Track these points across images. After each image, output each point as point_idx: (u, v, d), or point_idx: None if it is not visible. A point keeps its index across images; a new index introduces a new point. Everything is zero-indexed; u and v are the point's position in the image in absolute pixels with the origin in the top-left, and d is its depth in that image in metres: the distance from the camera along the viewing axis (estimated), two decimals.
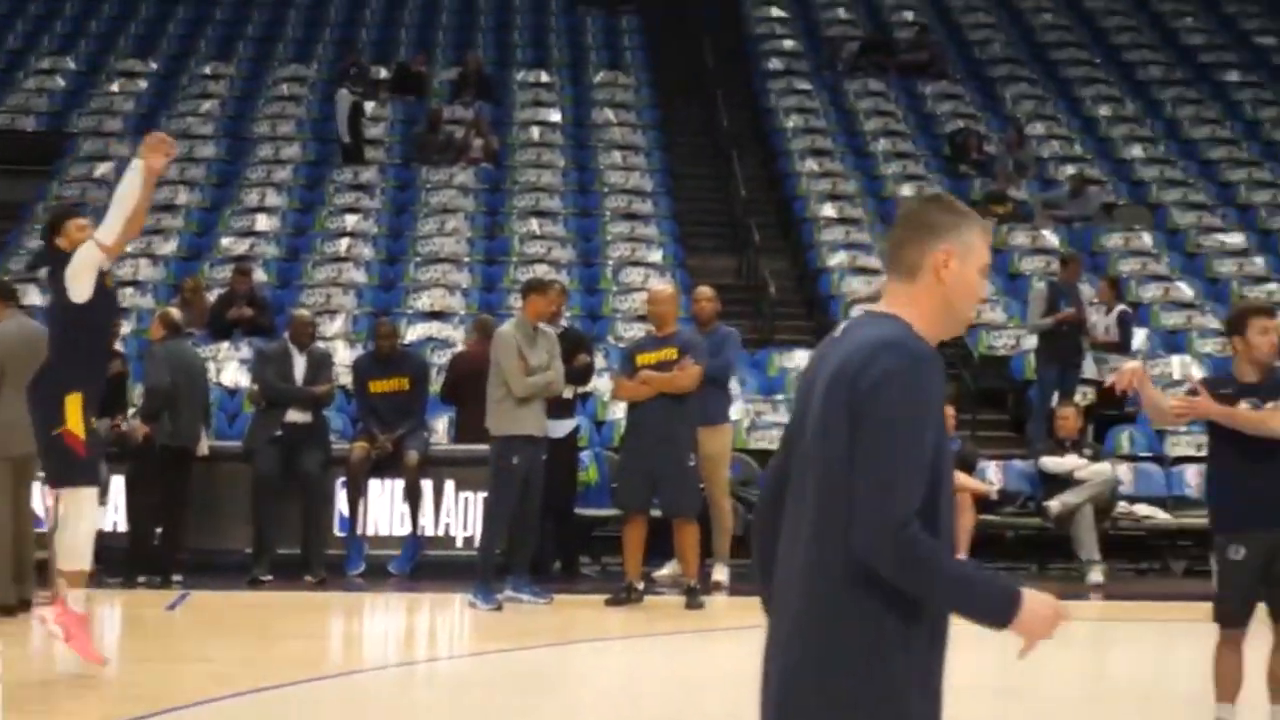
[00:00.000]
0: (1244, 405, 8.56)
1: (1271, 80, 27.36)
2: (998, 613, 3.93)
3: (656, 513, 13.80)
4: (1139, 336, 19.81)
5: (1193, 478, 17.01)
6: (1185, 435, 18.16)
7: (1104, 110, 26.33)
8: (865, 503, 3.89)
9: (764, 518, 4.28)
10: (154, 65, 26.76)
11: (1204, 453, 17.06)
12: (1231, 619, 8.62)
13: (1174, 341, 20.24)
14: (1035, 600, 3.94)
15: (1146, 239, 22.51)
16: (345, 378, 16.77)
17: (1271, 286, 21.30)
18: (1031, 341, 18.80)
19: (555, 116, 25.62)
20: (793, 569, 4.05)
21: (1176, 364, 19.56)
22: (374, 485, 15.46)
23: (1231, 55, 28.12)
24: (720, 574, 14.37)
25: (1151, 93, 26.93)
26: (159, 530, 14.59)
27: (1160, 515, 16.69)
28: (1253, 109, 26.41)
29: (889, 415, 3.92)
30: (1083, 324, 18.53)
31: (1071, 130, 25.61)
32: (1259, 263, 22.07)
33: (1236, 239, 22.67)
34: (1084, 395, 18.34)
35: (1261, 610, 8.60)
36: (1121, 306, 19.33)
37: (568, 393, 14.70)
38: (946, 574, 3.90)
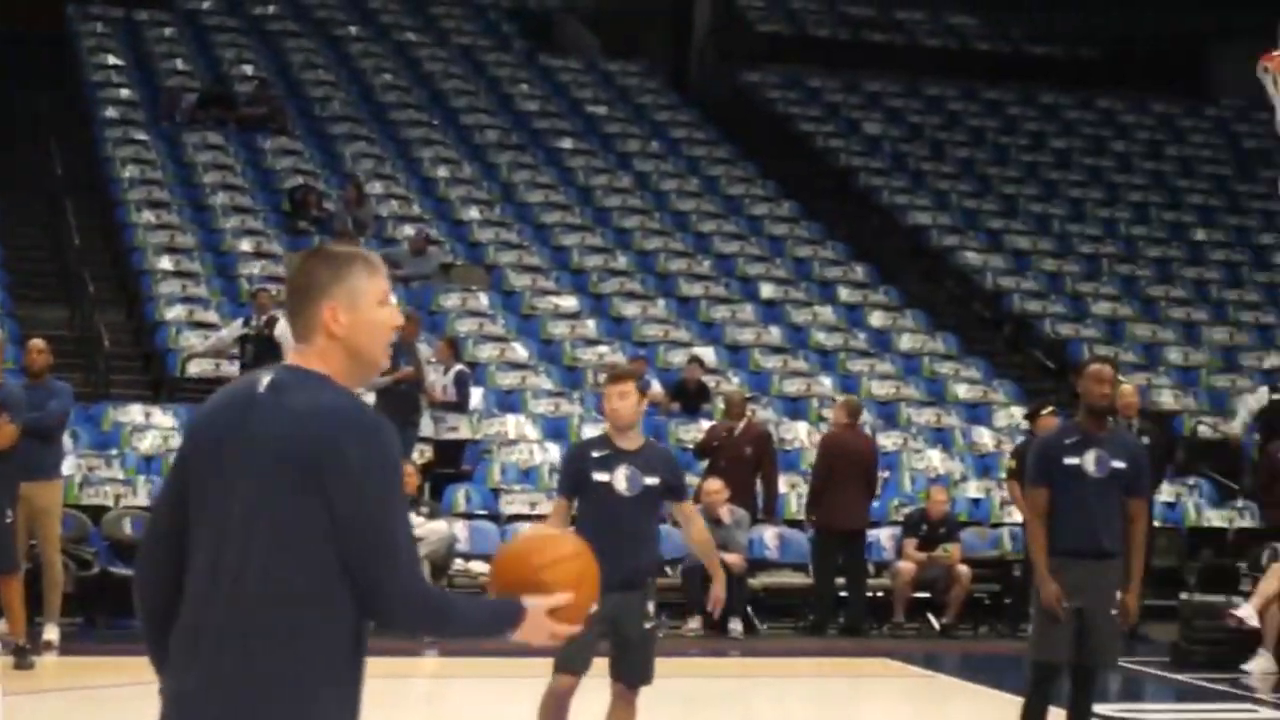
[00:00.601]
0: (622, 470, 8.81)
1: (603, 148, 28.28)
2: (506, 620, 4.14)
3: None
4: (476, 396, 20.13)
5: None
6: (520, 494, 18.56)
7: (442, 171, 26.70)
8: (379, 574, 3.94)
9: (151, 578, 4.17)
10: None
11: (537, 511, 17.57)
12: (570, 665, 8.85)
13: (509, 401, 20.66)
14: (536, 610, 4.15)
15: (483, 299, 22.91)
16: None
17: (603, 349, 21.98)
18: (370, 398, 18.85)
19: None
20: (211, 632, 3.97)
21: (512, 423, 19.98)
22: None
23: (565, 123, 28.94)
24: (51, 633, 13.87)
25: (488, 156, 27.46)
26: None
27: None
28: (585, 176, 27.24)
29: (377, 485, 3.95)
30: (421, 382, 18.70)
31: (410, 190, 25.86)
32: (590, 325, 22.74)
33: (570, 302, 23.30)
34: (421, 453, 18.54)
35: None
36: (459, 366, 19.62)
37: None
38: (464, 613, 4.10)
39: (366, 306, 4.15)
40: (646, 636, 8.96)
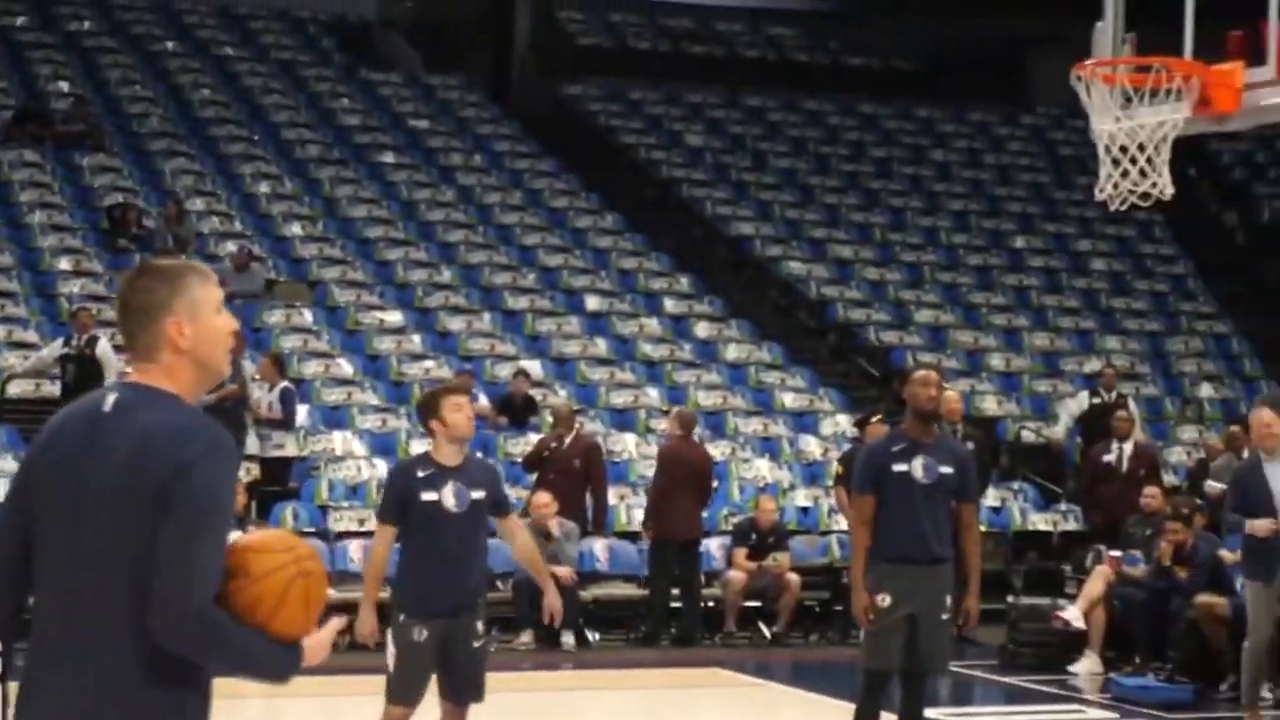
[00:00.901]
0: (450, 487, 8.75)
1: (426, 162, 28.15)
2: (288, 668, 4.07)
3: None
4: (302, 413, 19.96)
5: (356, 552, 17.23)
6: (348, 510, 18.45)
7: (264, 187, 26.44)
8: (168, 590, 3.88)
9: None
10: None
11: (365, 527, 17.43)
12: (404, 696, 8.79)
13: (336, 418, 20.53)
14: (311, 645, 4.09)
15: (308, 316, 22.72)
16: None
17: (429, 364, 21.88)
18: None
19: None
20: (71, 656, 3.96)
21: (339, 439, 19.85)
22: None
23: (387, 137, 28.76)
24: None
25: (310, 171, 27.23)
26: None
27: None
28: (408, 190, 27.10)
29: (199, 504, 3.92)
30: (246, 400, 18.52)
31: (232, 206, 25.57)
32: (416, 340, 22.63)
33: (395, 317, 23.17)
34: (248, 471, 18.35)
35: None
36: (284, 383, 19.45)
37: None
38: (247, 650, 3.98)
39: (207, 316, 4.15)
40: (476, 654, 8.91)
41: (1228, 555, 14.96)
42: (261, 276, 23.15)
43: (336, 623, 4.18)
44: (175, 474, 3.91)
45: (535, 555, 9.68)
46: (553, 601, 9.34)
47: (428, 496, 8.80)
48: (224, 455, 4.01)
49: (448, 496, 8.80)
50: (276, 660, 4.04)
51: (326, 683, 14.17)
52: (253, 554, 4.04)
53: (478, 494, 8.88)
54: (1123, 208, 12.18)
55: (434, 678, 8.90)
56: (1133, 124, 11.38)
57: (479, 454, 17.15)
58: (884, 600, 9.88)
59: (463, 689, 8.86)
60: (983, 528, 18.02)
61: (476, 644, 8.90)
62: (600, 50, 33.17)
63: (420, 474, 8.91)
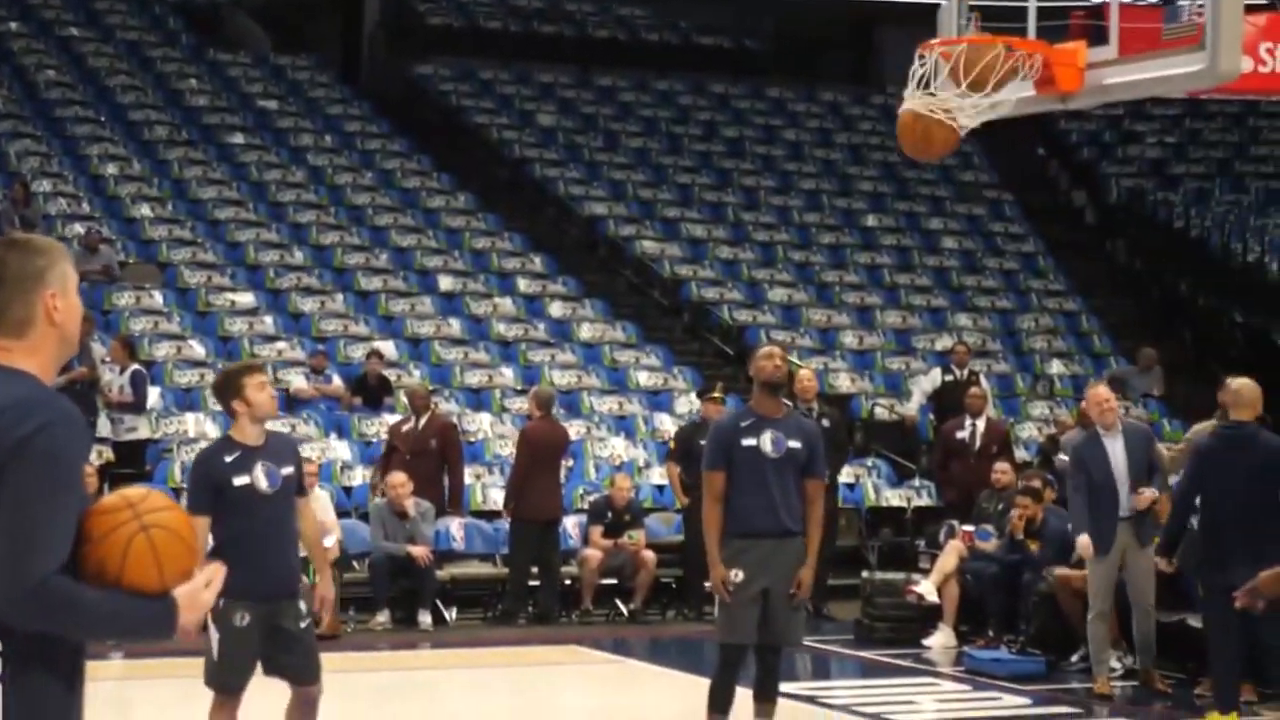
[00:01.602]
0: (260, 467, 8.64)
1: (276, 143, 27.93)
2: (162, 620, 4.02)
3: None
4: (153, 395, 19.77)
5: None
6: None
7: (111, 169, 26.12)
8: (4, 566, 3.85)
9: None
10: None
11: None
12: (229, 682, 8.71)
13: (188, 400, 20.36)
14: (186, 592, 4.04)
15: (158, 297, 22.50)
16: None
17: (282, 345, 21.74)
18: None
19: None
20: None
21: (191, 421, 19.69)
22: None
23: (236, 118, 28.51)
24: None
25: (159, 152, 26.93)
26: None
27: None
28: (259, 171, 26.88)
29: (35, 473, 3.88)
30: (96, 383, 18.33)
31: (79, 188, 25.26)
32: (269, 321, 22.46)
33: (247, 298, 22.99)
34: (100, 454, 18.21)
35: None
36: (135, 365, 19.26)
37: None
38: (105, 609, 3.94)
39: (73, 292, 4.16)
40: (304, 635, 8.76)
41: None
42: (110, 258, 22.86)
43: (210, 570, 4.13)
44: (15, 448, 3.88)
45: (319, 539, 9.53)
46: (324, 591, 9.28)
47: (240, 480, 8.64)
48: (66, 427, 3.96)
49: (260, 478, 8.66)
50: (145, 614, 4.00)
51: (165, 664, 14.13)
52: (94, 518, 4.01)
53: (286, 470, 8.75)
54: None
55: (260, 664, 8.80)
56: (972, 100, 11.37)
57: (295, 430, 17.17)
58: (737, 575, 9.94)
59: (297, 670, 8.75)
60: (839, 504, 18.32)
61: (303, 624, 8.76)
62: (450, 30, 33.04)
63: (227, 458, 8.73)
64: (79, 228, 23.50)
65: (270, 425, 9.05)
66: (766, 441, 10.00)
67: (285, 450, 8.94)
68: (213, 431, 19.28)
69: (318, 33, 32.96)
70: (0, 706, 3.98)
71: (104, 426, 18.75)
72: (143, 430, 19.23)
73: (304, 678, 8.77)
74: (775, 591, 9.98)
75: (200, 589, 4.07)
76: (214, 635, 8.64)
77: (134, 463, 18.85)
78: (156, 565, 4.01)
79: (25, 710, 3.94)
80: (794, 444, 10.06)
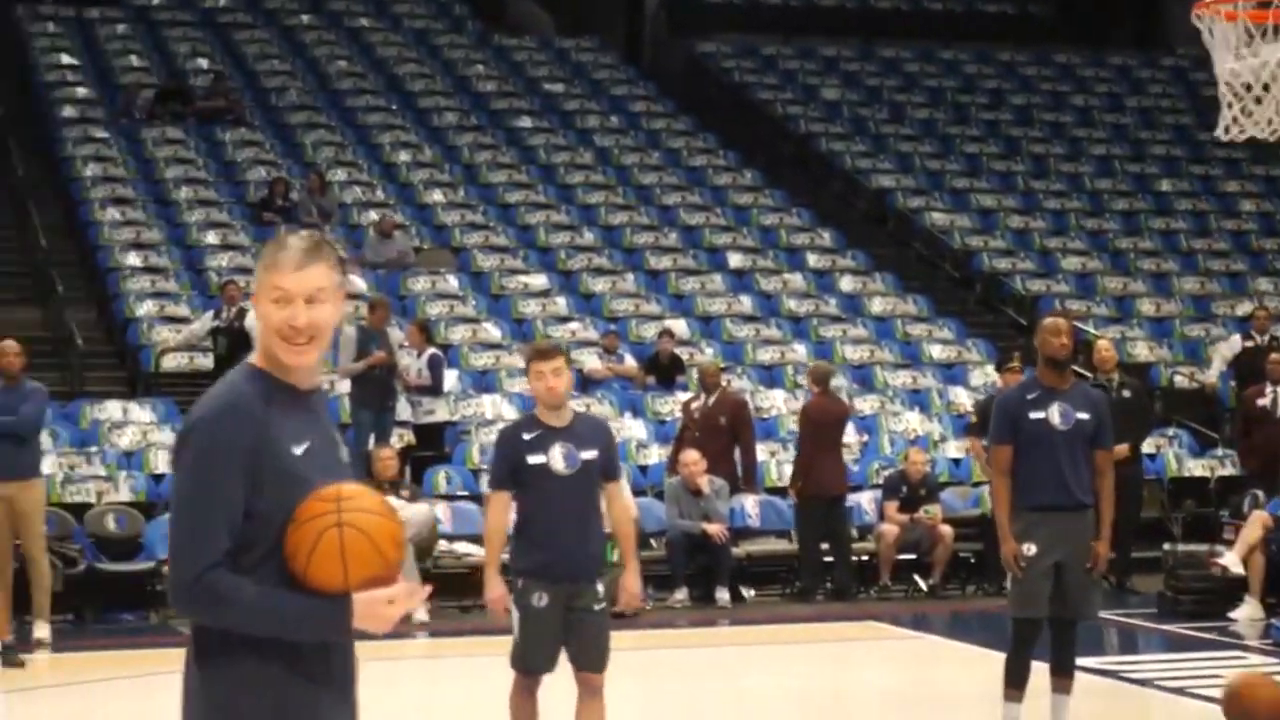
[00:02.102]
0: (558, 448, 8.67)
1: (562, 125, 28.21)
2: (331, 622, 4.06)
3: None
4: (450, 378, 20.08)
5: None
6: None
7: (403, 156, 26.60)
8: (169, 559, 4.09)
9: None
10: None
11: None
12: (528, 663, 8.73)
13: (485, 382, 20.64)
14: (365, 600, 4.04)
15: (452, 281, 22.85)
16: None
17: (575, 326, 21.96)
18: (345, 386, 18.78)
19: None
20: None
21: (488, 403, 19.97)
22: None
23: (523, 102, 28.85)
24: (42, 631, 13.91)
25: (448, 138, 27.36)
26: None
27: (479, 552, 16.88)
28: (546, 154, 27.16)
29: (186, 473, 4.08)
30: (394, 367, 18.66)
31: (373, 176, 25.77)
32: (561, 303, 22.69)
33: (539, 280, 23.24)
34: (400, 437, 18.54)
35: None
36: (432, 349, 19.57)
37: None
38: (267, 606, 4.02)
39: (263, 301, 4.25)
40: (596, 617, 8.71)
41: None
42: (405, 244, 23.29)
43: (405, 587, 4.11)
44: (174, 449, 4.17)
45: (629, 528, 9.39)
46: (630, 584, 9.19)
47: (535, 459, 8.63)
48: (209, 421, 4.09)
49: (556, 458, 8.66)
50: (311, 614, 4.04)
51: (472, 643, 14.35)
52: (308, 502, 4.05)
53: (589, 453, 8.69)
54: (1240, 138, 11.89)
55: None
56: (1256, 61, 11.13)
57: (589, 410, 17.21)
58: (1030, 549, 9.81)
59: (581, 655, 8.67)
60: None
61: (598, 607, 8.72)
62: (731, 6, 33.11)
63: (526, 436, 8.73)
64: (373, 215, 23.97)
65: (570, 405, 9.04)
66: (1055, 414, 9.86)
67: (592, 433, 8.86)
68: (509, 413, 19.53)
69: (600, 14, 33.19)
70: (182, 687, 4.15)
71: (404, 410, 19.08)
72: (441, 413, 19.54)
73: (587, 663, 8.69)
74: (1068, 565, 9.83)
75: (382, 601, 4.05)
76: (515, 615, 8.69)
77: (433, 445, 19.18)
78: (341, 564, 4.00)
79: (206, 691, 4.09)
80: (1082, 415, 9.90)
